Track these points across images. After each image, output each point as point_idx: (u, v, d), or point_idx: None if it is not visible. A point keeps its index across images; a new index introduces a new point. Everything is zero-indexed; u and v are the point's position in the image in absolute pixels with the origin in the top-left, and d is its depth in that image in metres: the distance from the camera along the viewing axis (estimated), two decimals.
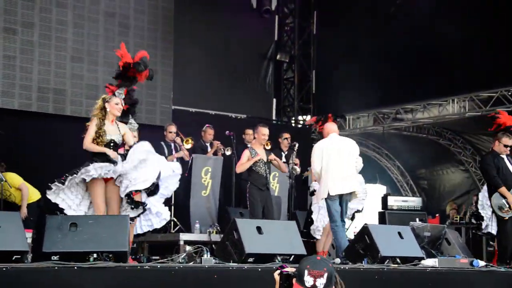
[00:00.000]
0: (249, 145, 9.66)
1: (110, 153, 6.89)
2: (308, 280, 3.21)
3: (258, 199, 8.88)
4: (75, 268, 5.49)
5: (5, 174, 9.05)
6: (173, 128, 10.33)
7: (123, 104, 7.22)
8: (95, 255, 5.87)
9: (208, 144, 10.84)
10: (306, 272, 3.22)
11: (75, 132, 7.50)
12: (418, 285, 7.18)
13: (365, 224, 8.06)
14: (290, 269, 3.35)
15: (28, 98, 10.81)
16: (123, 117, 7.60)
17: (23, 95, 10.75)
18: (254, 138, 11.13)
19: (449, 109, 13.63)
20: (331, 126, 8.57)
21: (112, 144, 7.02)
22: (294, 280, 3.29)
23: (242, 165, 9.03)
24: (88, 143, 6.96)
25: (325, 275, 3.21)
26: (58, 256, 5.75)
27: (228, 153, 10.41)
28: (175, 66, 12.45)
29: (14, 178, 9.13)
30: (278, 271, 3.38)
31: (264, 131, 9.16)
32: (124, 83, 7.43)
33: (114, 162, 6.83)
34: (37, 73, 10.88)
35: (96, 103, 7.16)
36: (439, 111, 13.91)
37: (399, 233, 7.97)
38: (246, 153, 9.06)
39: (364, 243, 7.71)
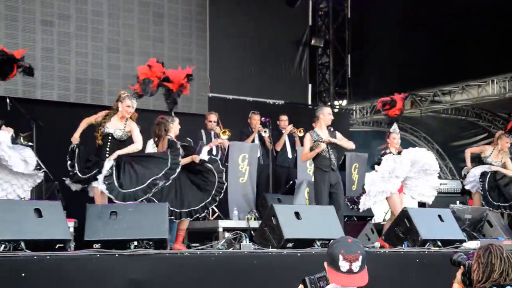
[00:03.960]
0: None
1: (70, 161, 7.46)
2: (344, 265, 3.13)
3: (323, 183, 8.43)
4: (117, 255, 5.57)
5: None
6: (213, 117, 10.25)
7: (134, 108, 7.58)
8: (135, 243, 5.95)
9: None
10: (341, 257, 3.13)
11: None
12: None
13: (405, 207, 8.01)
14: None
15: (66, 89, 10.92)
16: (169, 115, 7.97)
17: (61, 86, 10.86)
18: (290, 123, 11.11)
19: (488, 90, 13.40)
20: None
21: (110, 138, 7.39)
22: (326, 264, 3.21)
23: (306, 155, 8.69)
24: (82, 125, 7.62)
25: (360, 258, 3.16)
26: (99, 244, 5.84)
27: (265, 134, 10.45)
28: (211, 53, 12.45)
29: None
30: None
31: (329, 110, 8.92)
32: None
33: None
34: (75, 64, 10.98)
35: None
36: (478, 92, 13.68)
37: (439, 216, 7.91)
38: (307, 138, 8.68)
39: (404, 226, 7.67)
